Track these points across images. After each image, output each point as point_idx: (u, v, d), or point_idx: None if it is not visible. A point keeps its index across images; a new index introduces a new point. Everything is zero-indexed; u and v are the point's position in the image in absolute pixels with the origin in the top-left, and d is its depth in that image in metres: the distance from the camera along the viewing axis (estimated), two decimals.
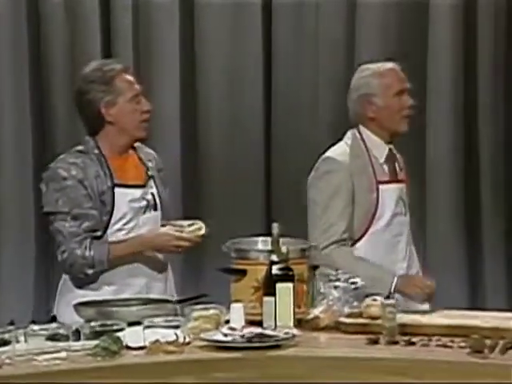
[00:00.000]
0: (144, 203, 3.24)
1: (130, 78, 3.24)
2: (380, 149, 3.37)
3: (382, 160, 3.36)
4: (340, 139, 3.43)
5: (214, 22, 4.60)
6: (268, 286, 2.85)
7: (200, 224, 3.21)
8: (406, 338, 2.72)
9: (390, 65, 3.41)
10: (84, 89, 3.21)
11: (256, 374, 2.60)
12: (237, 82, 4.64)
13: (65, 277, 3.24)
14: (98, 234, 3.16)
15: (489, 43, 4.54)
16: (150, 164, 3.31)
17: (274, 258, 2.89)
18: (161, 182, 3.32)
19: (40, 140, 4.56)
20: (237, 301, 2.90)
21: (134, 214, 3.21)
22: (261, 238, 3.08)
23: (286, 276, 2.86)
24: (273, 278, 2.86)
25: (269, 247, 2.95)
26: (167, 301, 3.03)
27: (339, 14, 4.57)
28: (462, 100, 4.53)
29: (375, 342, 2.72)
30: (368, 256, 3.30)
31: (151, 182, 3.28)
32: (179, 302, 3.05)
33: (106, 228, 3.18)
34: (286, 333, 2.72)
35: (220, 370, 2.61)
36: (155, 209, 3.26)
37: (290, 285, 2.85)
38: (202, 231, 3.19)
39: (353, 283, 2.96)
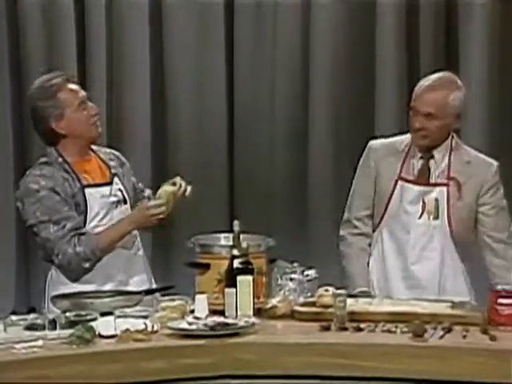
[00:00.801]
0: (114, 199, 3.42)
1: (73, 87, 3.37)
2: (417, 149, 3.48)
3: (414, 159, 3.48)
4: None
5: (181, 21, 4.71)
6: (230, 279, 3.04)
7: (170, 184, 3.30)
8: (355, 324, 2.92)
9: (427, 82, 3.43)
10: (33, 107, 3.36)
11: (218, 360, 2.79)
12: (202, 84, 4.76)
13: (51, 272, 3.40)
14: (83, 231, 3.32)
15: (430, 42, 4.68)
16: (111, 163, 3.48)
17: (235, 252, 3.08)
18: (127, 175, 3.49)
19: (19, 140, 4.67)
20: (201, 292, 3.08)
21: (107, 210, 3.40)
22: (223, 235, 3.26)
23: (246, 269, 3.05)
24: (234, 271, 3.04)
25: (230, 243, 3.13)
26: (137, 292, 3.22)
27: (295, 14, 4.72)
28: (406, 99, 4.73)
29: (327, 328, 2.92)
30: (384, 242, 3.48)
31: (116, 179, 3.46)
32: (148, 293, 3.25)
33: (83, 227, 3.35)
34: (246, 321, 2.91)
35: (185, 356, 2.78)
36: (125, 202, 3.44)
37: (250, 277, 3.03)
38: (171, 188, 3.29)
39: (307, 275, 3.17)
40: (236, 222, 3.15)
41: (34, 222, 3.30)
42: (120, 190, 3.45)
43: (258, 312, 3.06)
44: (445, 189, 3.45)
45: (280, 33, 4.71)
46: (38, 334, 2.82)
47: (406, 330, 2.86)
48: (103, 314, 2.93)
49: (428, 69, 4.65)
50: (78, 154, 3.42)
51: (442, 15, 4.72)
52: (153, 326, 2.89)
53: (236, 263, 3.06)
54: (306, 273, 3.16)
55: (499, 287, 3.01)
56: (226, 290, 3.05)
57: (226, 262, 3.09)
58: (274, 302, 3.10)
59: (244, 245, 3.10)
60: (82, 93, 3.39)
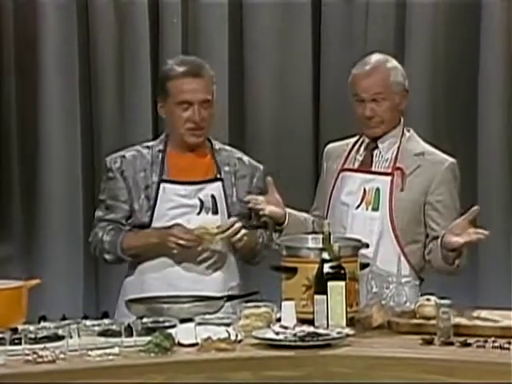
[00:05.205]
0: (196, 202, 3.20)
1: (187, 82, 3.18)
2: (364, 139, 3.32)
3: (358, 152, 3.30)
4: None
5: (262, 22, 4.56)
6: (319, 285, 2.82)
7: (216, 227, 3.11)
8: (462, 339, 2.68)
9: (365, 67, 3.28)
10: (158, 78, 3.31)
11: (309, 373, 2.58)
12: (286, 83, 4.57)
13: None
14: (126, 228, 3.20)
15: None
16: (225, 168, 3.26)
17: (326, 256, 2.85)
18: (240, 187, 3.24)
19: (88, 144, 4.56)
20: (288, 299, 2.87)
21: (182, 212, 3.17)
22: (311, 236, 3.05)
23: (338, 274, 2.82)
24: (324, 276, 2.82)
25: (320, 245, 2.90)
26: (218, 298, 3.02)
27: (388, 12, 4.50)
28: None
29: (429, 342, 2.69)
30: None
31: (217, 184, 3.23)
32: (230, 299, 3.05)
33: (150, 222, 3.19)
34: (339, 332, 2.69)
35: (273, 368, 2.59)
36: (215, 212, 3.21)
37: (342, 283, 2.80)
38: (212, 239, 3.11)
39: (406, 282, 2.93)
40: (326, 222, 2.92)
41: (98, 198, 3.31)
42: (213, 196, 3.21)
43: (350, 322, 2.83)
44: (388, 178, 3.21)
45: (371, 31, 4.48)
46: (113, 340, 2.63)
47: None
48: (182, 321, 2.74)
49: None
50: (180, 146, 3.24)
51: None
52: (236, 335, 2.69)
53: (326, 268, 2.82)
54: (404, 280, 2.91)
55: None
56: (316, 296, 2.82)
57: (315, 267, 2.85)
58: (369, 311, 2.87)
59: (335, 247, 2.85)
60: (196, 95, 3.16)
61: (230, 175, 3.25)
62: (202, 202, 3.20)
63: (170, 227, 3.13)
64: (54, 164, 4.52)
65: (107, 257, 3.21)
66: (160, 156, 3.22)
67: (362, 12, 4.52)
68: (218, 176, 3.23)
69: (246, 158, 3.33)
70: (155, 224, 3.17)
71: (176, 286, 3.13)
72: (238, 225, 3.12)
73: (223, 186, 3.22)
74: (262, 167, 3.34)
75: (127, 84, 4.58)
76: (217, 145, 3.31)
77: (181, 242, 3.09)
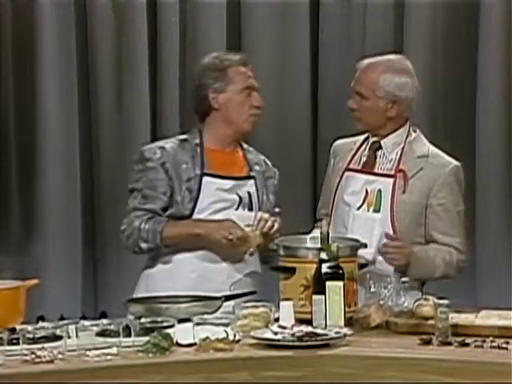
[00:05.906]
0: (235, 197, 3.20)
1: (245, 70, 3.23)
2: (367, 139, 3.30)
3: (364, 151, 3.28)
4: None
5: (261, 22, 4.57)
6: (318, 285, 2.82)
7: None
8: (459, 339, 2.68)
9: (367, 61, 3.24)
10: (198, 73, 3.27)
11: (308, 373, 2.58)
12: (284, 83, 4.58)
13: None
14: (160, 213, 3.17)
15: None
16: (256, 167, 3.28)
17: (324, 256, 2.85)
18: (267, 189, 3.27)
19: (87, 143, 4.57)
20: (286, 299, 2.87)
21: (223, 206, 3.17)
22: (309, 236, 3.04)
23: (336, 274, 2.82)
24: (322, 276, 2.81)
25: (318, 245, 2.90)
26: (216, 298, 3.01)
27: (387, 14, 4.51)
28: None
29: (427, 342, 2.68)
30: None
31: (251, 182, 3.24)
32: (228, 298, 3.04)
33: (191, 214, 3.17)
34: (337, 332, 2.69)
35: (271, 368, 2.59)
36: (250, 209, 3.21)
37: (340, 283, 2.80)
38: (255, 239, 3.12)
39: (403, 282, 2.92)
40: (324, 222, 2.91)
41: (130, 188, 3.24)
42: (249, 193, 3.22)
43: (349, 322, 2.82)
44: (391, 180, 3.18)
45: (370, 30, 4.48)
46: (111, 340, 2.63)
47: None
48: (180, 321, 2.73)
49: None
50: (220, 139, 3.24)
51: None
52: (234, 335, 2.69)
53: (324, 268, 2.82)
54: (402, 280, 2.91)
55: None
56: (314, 296, 2.82)
57: (314, 267, 2.85)
58: (367, 311, 2.87)
59: (333, 247, 2.85)
60: (252, 81, 3.23)
61: (260, 174, 3.27)
62: (240, 197, 3.20)
63: (221, 221, 3.13)
64: (53, 163, 4.53)
65: (143, 245, 3.16)
66: (198, 150, 3.21)
67: (360, 12, 4.53)
68: (251, 174, 3.25)
69: (267, 160, 3.36)
70: (196, 217, 3.16)
71: (210, 279, 3.12)
72: (271, 218, 3.13)
73: (256, 184, 3.25)
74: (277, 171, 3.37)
75: (125, 83, 4.59)
76: (243, 144, 3.32)
77: (231, 237, 3.08)
